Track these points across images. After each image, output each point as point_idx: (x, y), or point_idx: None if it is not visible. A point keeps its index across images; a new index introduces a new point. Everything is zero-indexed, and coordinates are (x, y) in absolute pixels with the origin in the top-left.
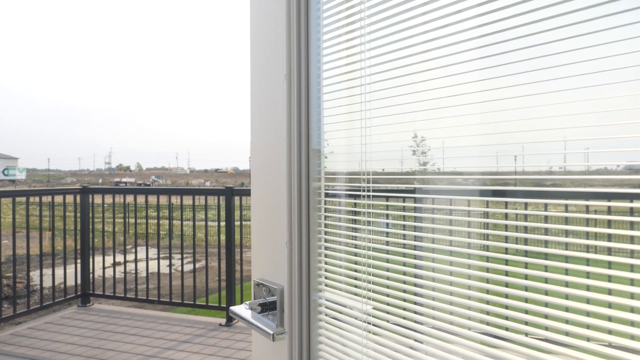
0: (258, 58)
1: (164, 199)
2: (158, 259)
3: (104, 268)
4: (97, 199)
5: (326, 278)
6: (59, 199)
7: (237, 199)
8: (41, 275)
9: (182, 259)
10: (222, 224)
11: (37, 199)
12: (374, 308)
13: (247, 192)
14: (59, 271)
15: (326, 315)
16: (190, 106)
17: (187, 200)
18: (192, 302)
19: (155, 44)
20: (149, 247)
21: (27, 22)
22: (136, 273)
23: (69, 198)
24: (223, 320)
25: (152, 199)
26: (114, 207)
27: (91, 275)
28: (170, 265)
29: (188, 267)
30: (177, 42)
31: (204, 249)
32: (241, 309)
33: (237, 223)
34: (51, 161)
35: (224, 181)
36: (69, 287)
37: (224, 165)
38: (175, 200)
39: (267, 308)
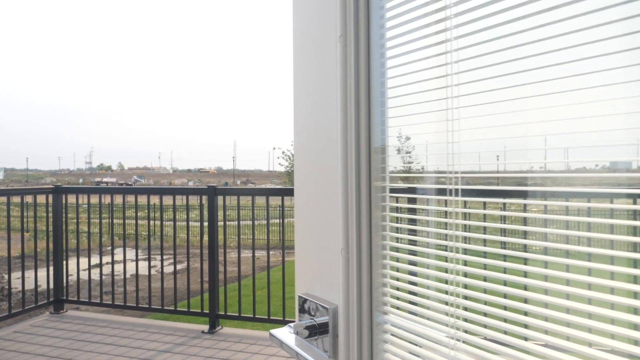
0: (303, 18)
1: (144, 199)
2: (136, 260)
3: (78, 272)
4: (74, 200)
5: (392, 297)
6: (34, 199)
7: (220, 198)
8: (9, 281)
9: (162, 260)
10: (206, 224)
11: (10, 199)
12: (463, 342)
13: (231, 192)
14: (30, 275)
15: (392, 344)
16: (173, 105)
17: (170, 200)
18: (173, 308)
19: (136, 41)
20: (127, 249)
21: (3, 17)
22: (113, 277)
23: (42, 198)
24: (206, 327)
25: (132, 199)
26: (89, 208)
27: (65, 280)
28: (149, 268)
29: (169, 269)
30: (160, 40)
31: (185, 250)
32: (284, 334)
33: (221, 223)
34: (30, 160)
35: (207, 181)
36: (41, 292)
37: (208, 165)
38: (157, 200)
39: (315, 332)
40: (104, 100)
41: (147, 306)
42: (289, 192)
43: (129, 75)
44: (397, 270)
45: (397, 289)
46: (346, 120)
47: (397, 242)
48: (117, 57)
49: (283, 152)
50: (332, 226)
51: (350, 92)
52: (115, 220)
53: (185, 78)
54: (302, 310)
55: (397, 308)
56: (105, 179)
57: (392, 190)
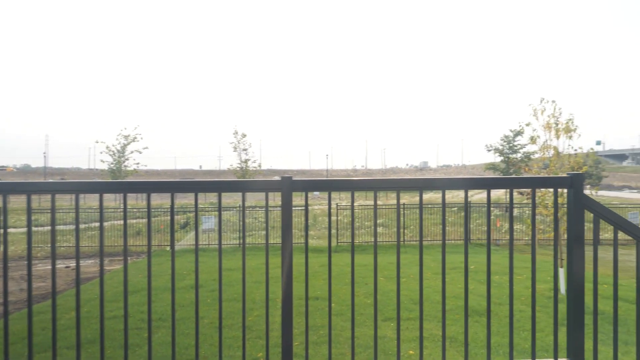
0: None
1: None
2: None
3: None
4: None
5: None
6: None
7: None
8: None
9: None
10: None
11: None
12: None
13: (20, 188)
14: None
15: None
16: None
17: None
18: None
19: None
20: None
21: None
22: None
23: None
24: None
25: None
26: None
27: None
28: None
29: None
30: None
31: None
32: None
33: (11, 230)
34: None
35: (10, 180)
36: None
37: (12, 162)
38: None
39: None
40: None
41: None
42: (113, 188)
43: None
44: None
45: None
46: None
47: None
48: None
49: (107, 147)
50: None
51: None
52: None
53: None
54: None
55: None
56: None
57: None
